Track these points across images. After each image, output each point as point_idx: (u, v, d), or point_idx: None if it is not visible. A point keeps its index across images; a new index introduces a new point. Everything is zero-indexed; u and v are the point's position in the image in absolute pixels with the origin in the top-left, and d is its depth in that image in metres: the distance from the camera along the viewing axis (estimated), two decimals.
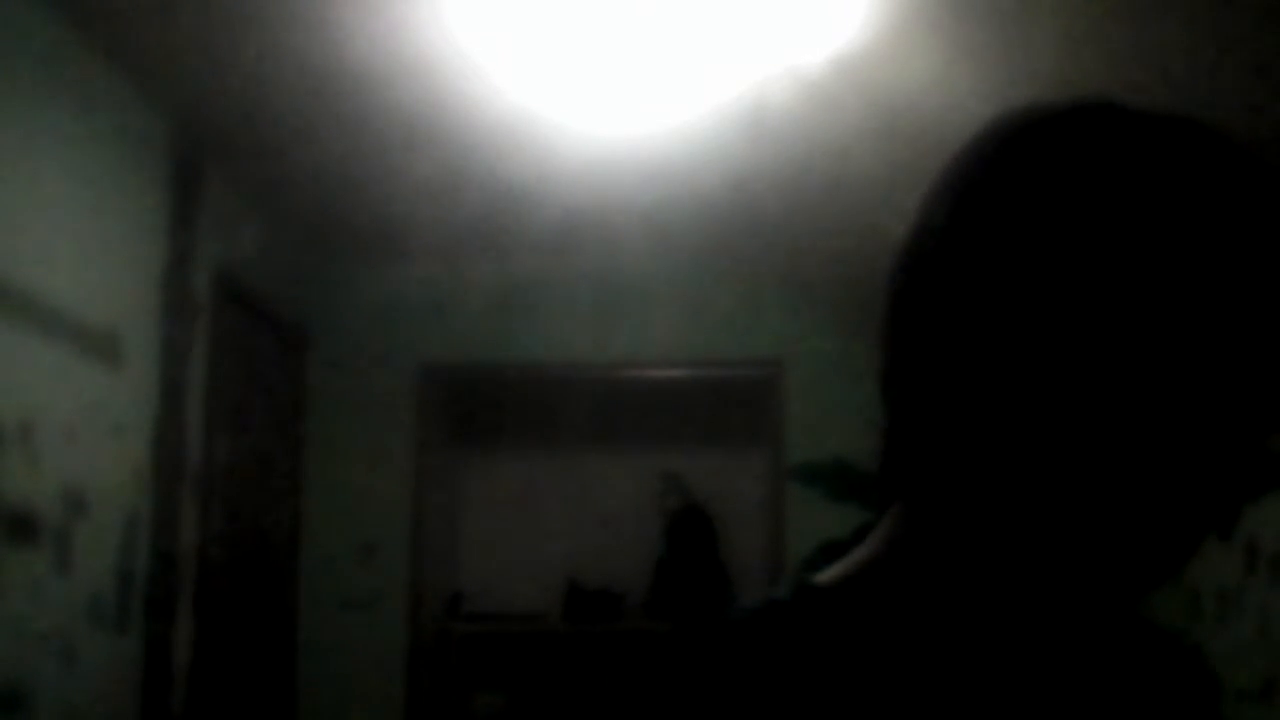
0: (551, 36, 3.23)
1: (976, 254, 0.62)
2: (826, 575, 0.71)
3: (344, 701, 5.07)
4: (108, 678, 3.48)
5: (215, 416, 4.18)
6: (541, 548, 6.19)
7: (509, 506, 6.28)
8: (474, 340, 5.34)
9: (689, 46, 3.27)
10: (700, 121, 3.74)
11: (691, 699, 0.61)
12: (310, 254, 5.17)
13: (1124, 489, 0.60)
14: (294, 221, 4.85)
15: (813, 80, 3.44)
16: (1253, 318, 0.60)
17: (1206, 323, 0.59)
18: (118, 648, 3.54)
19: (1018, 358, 0.61)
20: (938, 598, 0.66)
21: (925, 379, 0.64)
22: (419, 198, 4.46)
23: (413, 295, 5.34)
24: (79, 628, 3.28)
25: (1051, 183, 0.62)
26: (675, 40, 3.23)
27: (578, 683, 5.83)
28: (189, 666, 3.97)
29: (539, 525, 6.25)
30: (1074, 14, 3.10)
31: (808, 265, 5.12)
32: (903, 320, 0.66)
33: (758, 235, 4.90)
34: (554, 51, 3.31)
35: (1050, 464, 0.61)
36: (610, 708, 0.64)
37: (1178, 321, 0.59)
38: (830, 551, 0.74)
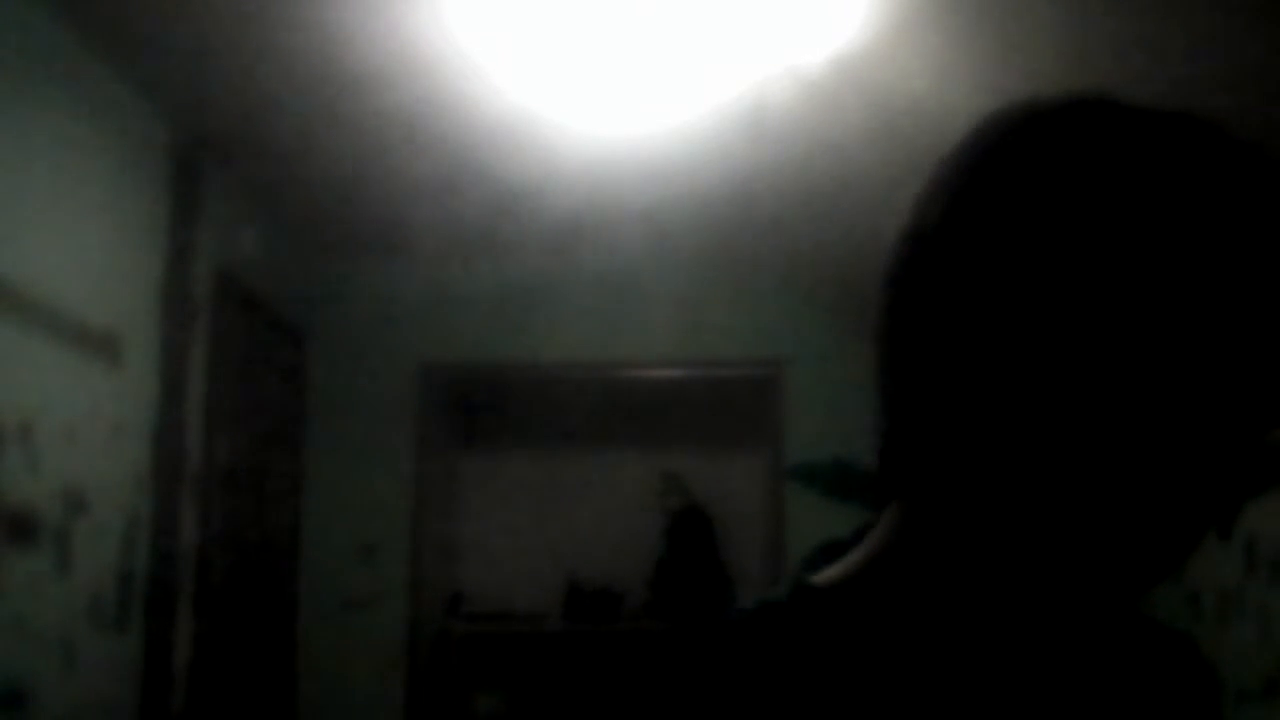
0: (551, 36, 3.23)
1: (973, 250, 0.62)
2: (824, 576, 0.70)
3: (344, 701, 5.07)
4: (108, 678, 3.47)
5: (215, 416, 4.18)
6: (541, 548, 6.19)
7: (509, 506, 6.29)
8: (474, 340, 5.34)
9: (689, 46, 3.27)
10: (700, 121, 3.74)
11: (688, 700, 0.61)
12: (310, 254, 5.17)
13: (1123, 485, 0.60)
14: (294, 221, 4.85)
15: (813, 80, 3.43)
16: (1252, 312, 0.60)
17: (1205, 317, 0.59)
18: (118, 648, 3.54)
19: (1014, 354, 0.60)
20: (935, 597, 0.66)
21: (921, 377, 0.64)
22: (419, 198, 4.46)
23: (413, 295, 5.34)
24: (79, 628, 3.28)
25: (1048, 179, 0.61)
26: (675, 40, 3.23)
27: (578, 683, 5.83)
28: (189, 666, 3.97)
29: (539, 525, 6.25)
30: (1074, 14, 3.10)
31: (808, 265, 5.12)
32: (898, 318, 0.65)
33: (758, 235, 4.89)
34: (554, 51, 3.31)
35: (1048, 461, 0.60)
36: (609, 709, 0.64)
37: (1176, 316, 0.59)
38: (829, 551, 0.74)
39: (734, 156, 4.00)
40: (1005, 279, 0.61)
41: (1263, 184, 0.61)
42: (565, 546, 6.16)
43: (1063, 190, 0.61)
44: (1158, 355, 0.59)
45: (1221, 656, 3.68)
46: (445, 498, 5.92)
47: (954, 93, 3.39)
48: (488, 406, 6.30)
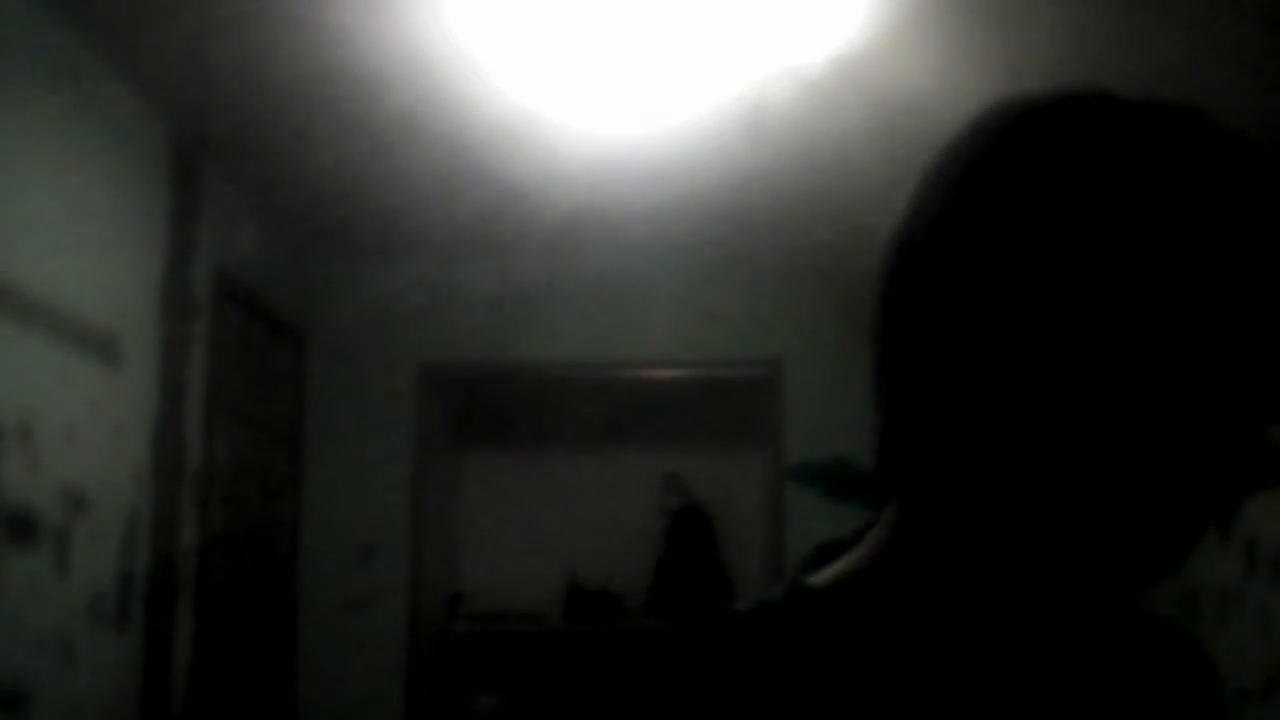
0: (551, 36, 3.23)
1: (969, 247, 0.62)
2: (821, 576, 0.70)
3: (344, 701, 5.07)
4: (108, 678, 3.47)
5: (215, 416, 4.18)
6: (541, 548, 6.19)
7: (509, 506, 6.29)
8: (474, 340, 5.34)
9: (689, 46, 3.27)
10: (700, 121, 3.74)
11: (681, 701, 0.61)
12: (310, 254, 5.17)
13: (1122, 481, 0.60)
14: (294, 221, 4.85)
15: (813, 80, 3.44)
16: (1250, 307, 0.59)
17: (1202, 311, 0.59)
18: (118, 648, 3.54)
19: (1011, 351, 0.60)
20: (933, 596, 0.66)
21: (917, 375, 0.64)
22: (419, 198, 4.46)
23: (413, 295, 5.34)
24: (79, 628, 3.28)
25: (1044, 173, 0.61)
26: (675, 40, 3.23)
27: (577, 683, 5.83)
28: (189, 666, 3.97)
29: (539, 525, 6.25)
30: (1075, 13, 3.10)
31: (808, 265, 5.12)
32: (894, 315, 0.65)
33: (758, 235, 4.89)
34: (554, 51, 3.31)
35: (1046, 458, 0.60)
36: (606, 710, 0.64)
37: (1174, 311, 0.58)
38: (829, 552, 0.74)
39: (734, 156, 4.00)
40: (1000, 276, 0.60)
41: (1259, 178, 0.61)
42: (565, 546, 6.16)
43: (1057, 186, 0.61)
44: (1155, 351, 0.59)
45: (1221, 656, 3.68)
46: (445, 498, 5.92)
47: (954, 93, 3.39)
48: (488, 406, 6.29)
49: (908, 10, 3.10)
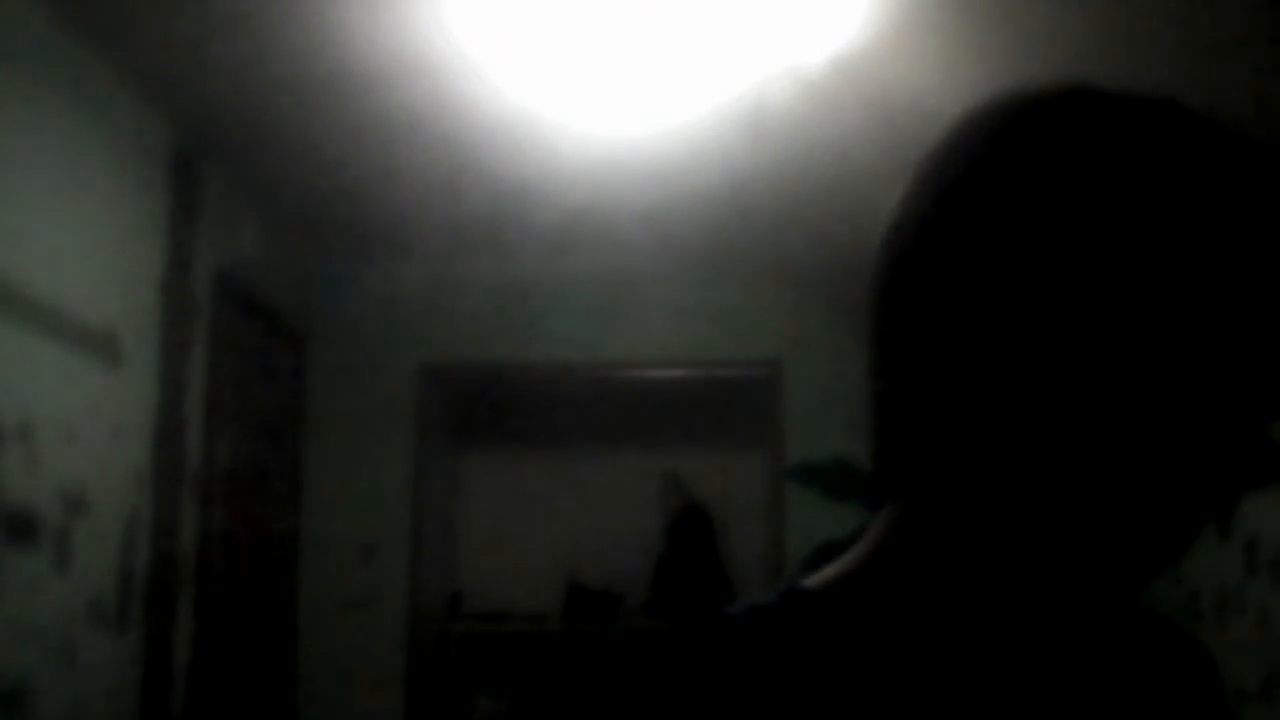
0: (551, 36, 3.23)
1: (962, 246, 0.61)
2: (817, 578, 0.70)
3: (344, 702, 5.07)
4: (108, 678, 3.47)
5: (215, 416, 4.18)
6: (541, 548, 6.19)
7: (509, 506, 6.29)
8: (474, 340, 5.34)
9: (689, 46, 3.27)
10: (700, 121, 3.74)
11: (673, 704, 0.61)
12: (310, 254, 5.17)
13: (1119, 479, 0.59)
14: (294, 221, 4.85)
15: (813, 80, 3.43)
16: (1248, 302, 0.59)
17: (1201, 307, 0.58)
18: (118, 648, 3.53)
19: (1007, 349, 0.60)
20: (930, 596, 0.66)
21: (914, 374, 0.63)
22: (419, 197, 4.46)
23: (413, 295, 5.34)
24: (79, 628, 3.28)
25: (1038, 169, 0.61)
26: (675, 40, 3.23)
27: (577, 683, 5.83)
28: (189, 666, 3.97)
29: (539, 525, 6.25)
30: (1075, 13, 3.10)
31: (808, 265, 5.11)
32: (890, 314, 0.65)
33: (758, 235, 4.89)
34: (554, 51, 3.31)
35: (1043, 455, 0.60)
36: (603, 711, 0.64)
37: (1169, 306, 0.58)
38: (828, 552, 0.74)
39: (734, 156, 3.99)
40: (996, 274, 0.60)
41: (1255, 173, 0.60)
42: (565, 546, 6.16)
43: (1052, 183, 0.60)
44: (1153, 347, 0.58)
45: (1221, 656, 3.68)
46: (445, 498, 5.92)
47: (954, 93, 3.39)
48: (487, 406, 6.29)
49: (908, 10, 3.10)
